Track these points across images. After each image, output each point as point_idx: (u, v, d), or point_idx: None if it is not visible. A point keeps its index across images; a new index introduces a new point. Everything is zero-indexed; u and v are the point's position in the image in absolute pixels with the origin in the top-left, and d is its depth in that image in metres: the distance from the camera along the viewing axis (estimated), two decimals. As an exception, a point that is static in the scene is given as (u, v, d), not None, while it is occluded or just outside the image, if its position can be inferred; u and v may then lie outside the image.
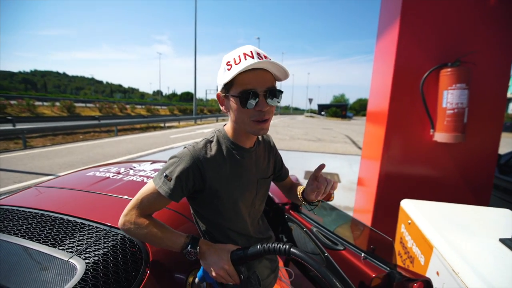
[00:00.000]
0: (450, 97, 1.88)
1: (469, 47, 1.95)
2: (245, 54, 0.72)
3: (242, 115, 0.75)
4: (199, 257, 0.77)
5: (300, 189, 0.96)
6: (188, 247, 0.75)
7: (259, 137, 0.94)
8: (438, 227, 1.31)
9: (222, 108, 0.82)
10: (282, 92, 0.80)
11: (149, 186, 0.78)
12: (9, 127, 10.30)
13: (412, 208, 1.55)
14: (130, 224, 0.74)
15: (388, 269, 1.10)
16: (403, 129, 2.14)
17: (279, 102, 0.78)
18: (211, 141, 0.83)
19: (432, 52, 2.02)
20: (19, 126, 10.62)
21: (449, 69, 1.89)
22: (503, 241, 1.19)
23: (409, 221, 1.50)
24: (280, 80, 0.80)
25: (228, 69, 0.73)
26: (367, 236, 1.33)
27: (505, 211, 1.58)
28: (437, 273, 1.15)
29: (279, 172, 1.10)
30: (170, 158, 0.79)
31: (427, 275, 1.22)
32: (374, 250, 1.22)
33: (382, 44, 2.48)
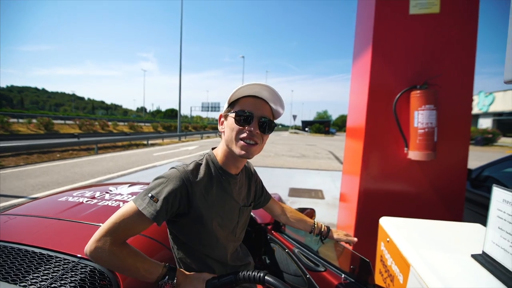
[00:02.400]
0: (420, 117, 2.00)
1: (435, 71, 2.11)
2: (255, 83, 0.78)
3: (234, 133, 0.79)
4: None
5: (321, 226, 1.21)
6: (166, 279, 0.72)
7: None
8: (414, 245, 1.34)
9: (220, 127, 0.87)
10: (276, 125, 0.86)
11: (129, 207, 0.72)
12: (-22, 146, 9.67)
13: (390, 226, 1.58)
14: (103, 251, 0.66)
15: (368, 290, 1.11)
16: (380, 147, 2.24)
17: (269, 133, 0.84)
18: (200, 164, 0.82)
19: (403, 75, 2.16)
20: (-10, 145, 10.00)
21: (418, 91, 2.03)
22: (474, 257, 1.24)
23: (388, 239, 1.53)
24: (277, 116, 0.88)
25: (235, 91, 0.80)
26: (348, 256, 1.33)
27: (476, 225, 1.65)
28: (415, 292, 1.16)
29: (259, 199, 1.11)
30: (156, 179, 0.76)
31: (406, 294, 1.23)
32: (354, 270, 1.22)
33: (357, 67, 2.64)
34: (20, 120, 21.06)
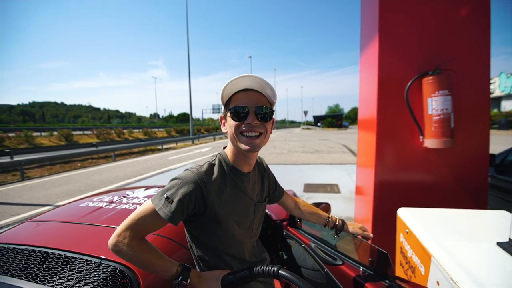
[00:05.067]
0: (434, 104, 1.93)
1: (448, 55, 2.03)
2: (238, 77, 0.79)
3: (234, 129, 0.80)
4: None
5: (336, 219, 1.19)
6: (179, 279, 0.74)
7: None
8: (434, 235, 1.30)
9: (222, 129, 0.88)
10: (273, 111, 0.85)
11: (147, 206, 0.75)
12: (7, 159, 10.27)
13: (408, 217, 1.54)
14: (123, 245, 0.71)
15: (388, 282, 1.08)
16: (393, 137, 2.18)
17: (270, 120, 0.84)
18: (214, 164, 0.84)
19: (413, 62, 2.09)
20: (17, 158, 10.58)
21: (430, 77, 1.96)
22: (500, 244, 1.18)
23: (407, 230, 1.49)
24: (273, 102, 0.87)
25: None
26: (365, 249, 1.31)
27: (502, 213, 1.57)
28: (438, 283, 1.13)
29: (273, 193, 1.12)
30: (172, 180, 0.78)
31: (428, 285, 1.20)
32: (372, 263, 1.20)
33: (365, 56, 2.57)
34: (43, 133, 22.10)
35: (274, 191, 1.12)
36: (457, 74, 1.96)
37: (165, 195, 0.74)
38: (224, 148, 0.91)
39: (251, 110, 0.79)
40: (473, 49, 2.04)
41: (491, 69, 2.07)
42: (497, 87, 30.23)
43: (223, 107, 0.87)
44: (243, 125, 0.79)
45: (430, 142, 1.97)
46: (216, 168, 0.82)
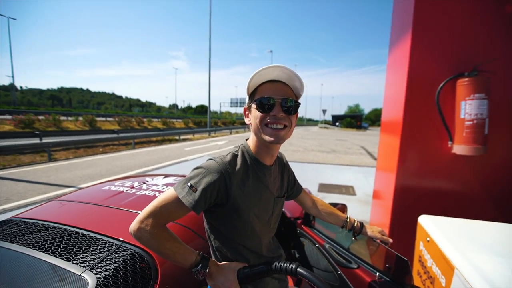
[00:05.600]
0: (468, 108, 1.81)
1: (486, 55, 1.88)
2: (266, 67, 0.77)
3: (259, 121, 0.78)
4: (207, 277, 0.77)
5: (354, 221, 1.16)
6: (199, 267, 0.75)
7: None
8: (459, 246, 1.23)
9: (246, 120, 0.86)
10: (299, 104, 0.83)
11: (170, 194, 0.75)
12: (36, 141, 10.93)
13: (430, 225, 1.47)
14: (145, 232, 0.71)
15: (405, 290, 1.04)
16: (419, 141, 2.07)
17: (295, 113, 0.82)
18: (237, 155, 0.83)
19: (447, 62, 1.97)
20: (45, 140, 11.26)
21: (466, 79, 1.83)
22: (533, 262, 1.10)
23: (428, 239, 1.42)
24: (299, 94, 0.85)
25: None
26: (383, 254, 1.27)
27: (535, 228, 1.46)
28: (460, 297, 1.07)
29: (292, 189, 1.10)
30: (195, 168, 0.78)
31: (449, 298, 1.14)
32: (390, 269, 1.16)
33: (394, 54, 2.46)
34: (69, 118, 23.26)
35: (292, 187, 1.11)
36: (496, 76, 1.83)
37: (189, 184, 0.74)
38: (247, 140, 0.90)
39: (277, 102, 0.77)
40: (516, 50, 1.88)
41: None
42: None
43: (247, 98, 0.85)
44: (268, 117, 0.78)
45: (459, 148, 1.85)
46: (239, 159, 0.82)
